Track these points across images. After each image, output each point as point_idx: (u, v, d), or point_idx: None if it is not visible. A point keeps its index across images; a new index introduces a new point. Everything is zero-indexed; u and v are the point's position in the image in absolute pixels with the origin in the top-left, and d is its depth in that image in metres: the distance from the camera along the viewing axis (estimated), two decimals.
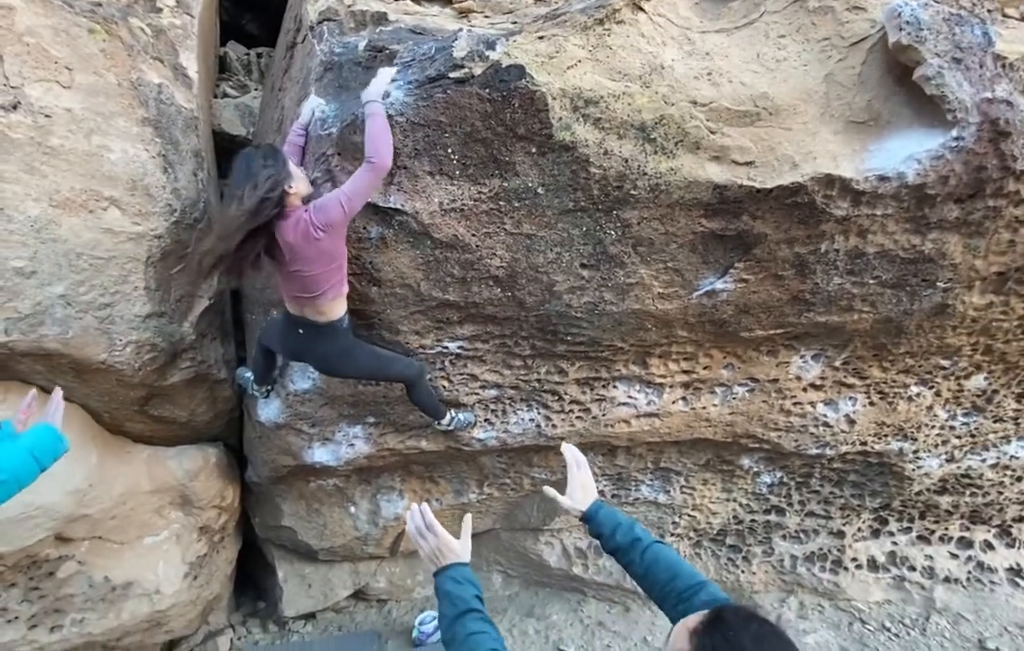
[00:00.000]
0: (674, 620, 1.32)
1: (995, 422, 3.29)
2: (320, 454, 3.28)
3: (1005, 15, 2.83)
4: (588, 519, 1.57)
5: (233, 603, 4.14)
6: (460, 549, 1.40)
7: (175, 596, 3.25)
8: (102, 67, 2.36)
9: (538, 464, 3.56)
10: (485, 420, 3.18)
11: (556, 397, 3.08)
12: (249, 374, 3.01)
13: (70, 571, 2.89)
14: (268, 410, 3.15)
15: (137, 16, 2.53)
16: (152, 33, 2.55)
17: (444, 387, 2.99)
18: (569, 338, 2.70)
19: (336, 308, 2.25)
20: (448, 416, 2.96)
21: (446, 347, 2.81)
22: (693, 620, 0.99)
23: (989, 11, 2.60)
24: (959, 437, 3.35)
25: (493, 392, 3.05)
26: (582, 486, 1.61)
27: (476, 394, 3.06)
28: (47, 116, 2.25)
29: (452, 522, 3.93)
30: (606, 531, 1.52)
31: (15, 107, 2.18)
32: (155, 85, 2.51)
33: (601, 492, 3.70)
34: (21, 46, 2.19)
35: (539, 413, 3.16)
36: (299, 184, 2.07)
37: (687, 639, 0.97)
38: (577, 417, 3.15)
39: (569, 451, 1.67)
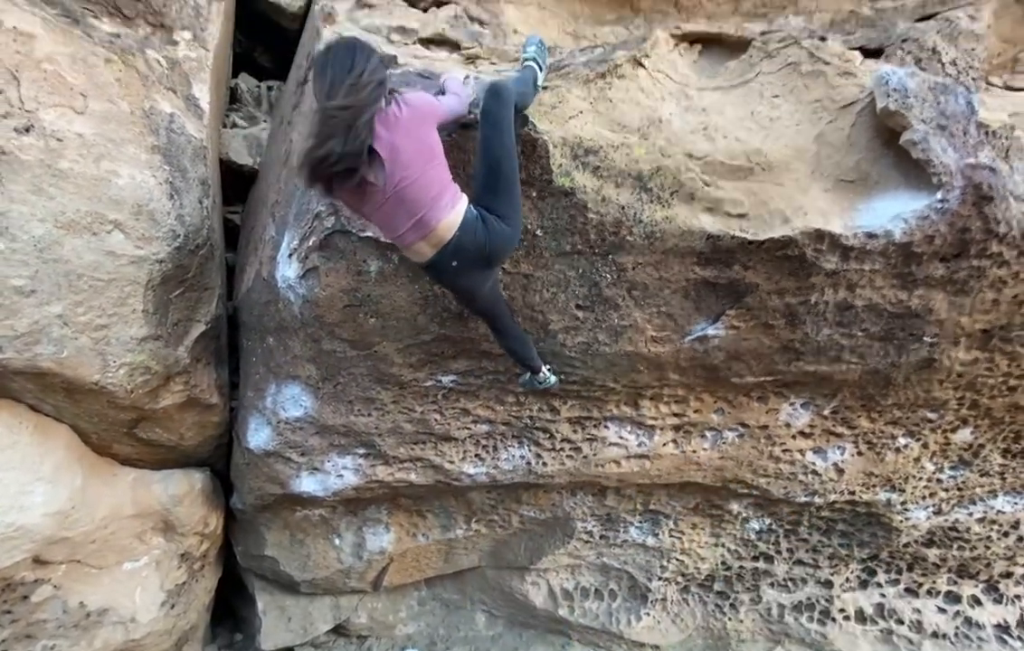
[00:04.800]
0: None
1: (981, 476, 3.32)
2: (308, 484, 3.25)
3: (989, 83, 2.97)
4: None
5: (209, 633, 4.02)
6: None
7: (151, 624, 3.17)
8: (116, 95, 2.42)
9: (527, 501, 3.54)
10: (475, 455, 3.18)
11: (547, 435, 3.08)
12: (529, 375, 2.58)
13: (45, 595, 2.82)
14: (258, 437, 3.13)
15: (154, 48, 2.60)
16: (167, 65, 2.62)
17: (436, 420, 3.00)
18: (562, 377, 2.72)
19: (462, 210, 1.83)
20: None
21: (439, 380, 2.83)
22: None
23: (974, 79, 2.73)
24: (946, 490, 3.37)
25: (485, 427, 3.06)
26: None
27: (468, 429, 3.06)
28: (59, 140, 2.29)
29: (438, 558, 3.88)
30: None
31: (28, 130, 2.22)
32: (167, 114, 2.57)
33: (589, 533, 3.68)
34: (39, 72, 2.25)
35: (530, 450, 3.16)
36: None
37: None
38: (568, 456, 3.16)
39: None
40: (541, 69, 2.07)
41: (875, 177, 2.14)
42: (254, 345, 3.03)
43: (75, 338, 2.42)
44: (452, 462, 3.17)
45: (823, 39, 2.25)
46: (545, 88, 2.10)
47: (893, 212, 2.12)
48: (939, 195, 2.06)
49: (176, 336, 2.72)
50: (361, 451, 3.14)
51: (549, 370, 2.59)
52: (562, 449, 3.14)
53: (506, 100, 1.77)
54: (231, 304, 3.31)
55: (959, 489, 3.38)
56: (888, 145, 2.12)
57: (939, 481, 3.32)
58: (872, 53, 2.54)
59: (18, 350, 2.32)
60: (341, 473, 3.22)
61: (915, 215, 2.10)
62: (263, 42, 3.87)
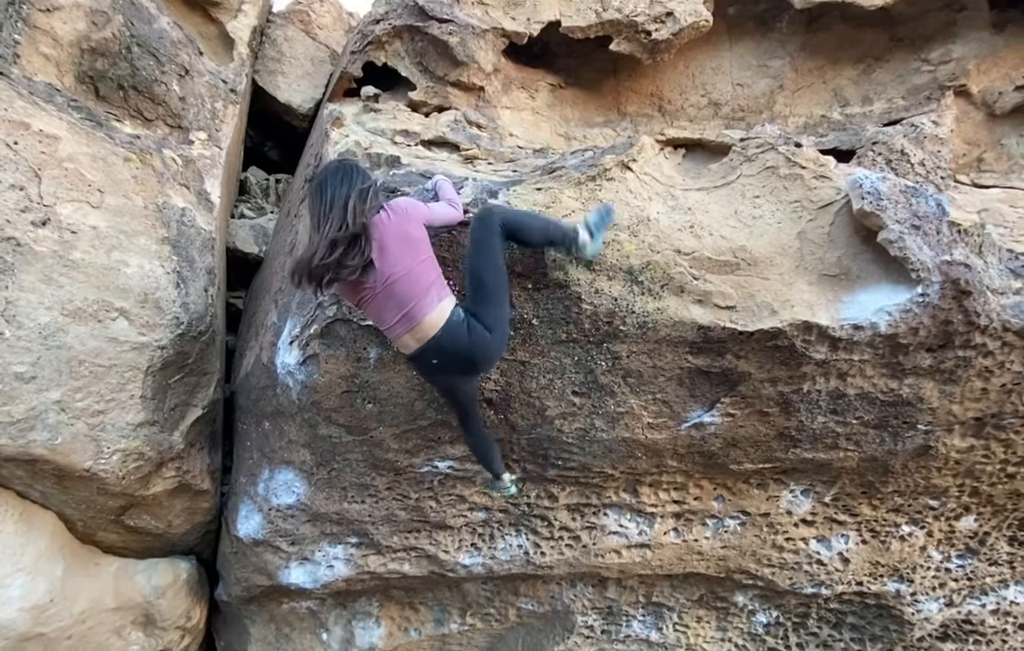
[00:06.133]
0: None
1: (990, 565, 3.23)
2: (297, 575, 3.14)
3: (957, 181, 3.14)
4: None
5: None
6: None
7: None
8: (132, 191, 2.54)
9: (525, 593, 3.41)
10: (471, 545, 3.09)
11: (545, 523, 3.02)
12: (491, 477, 2.61)
13: None
14: (247, 525, 3.06)
15: (171, 147, 2.76)
16: (182, 163, 2.77)
17: (431, 507, 2.94)
18: (560, 463, 2.70)
19: (447, 309, 1.92)
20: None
21: (436, 466, 2.80)
22: None
23: (942, 178, 2.89)
24: (956, 580, 3.27)
25: (481, 515, 3.00)
26: None
27: (464, 516, 3.00)
28: (73, 232, 2.39)
29: None
30: None
31: (44, 223, 2.32)
32: (179, 209, 2.69)
33: (589, 627, 3.52)
34: (60, 170, 2.38)
35: (528, 539, 3.08)
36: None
37: None
38: (567, 545, 3.08)
39: None
40: (592, 236, 2.07)
41: (856, 271, 2.22)
42: (249, 429, 3.02)
43: (71, 424, 2.41)
44: (447, 552, 3.09)
45: (798, 145, 2.40)
46: (539, 189, 2.22)
47: (877, 305, 2.19)
48: (919, 289, 2.14)
49: (172, 421, 2.72)
50: (353, 540, 3.06)
51: (511, 480, 2.61)
52: (561, 538, 3.07)
53: (488, 226, 1.92)
54: (228, 387, 3.33)
55: (969, 579, 3.28)
56: (867, 242, 2.22)
57: (947, 570, 3.23)
58: (844, 154, 2.71)
59: (12, 437, 2.32)
60: (332, 563, 3.12)
61: (898, 308, 2.17)
62: (274, 137, 4.11)
